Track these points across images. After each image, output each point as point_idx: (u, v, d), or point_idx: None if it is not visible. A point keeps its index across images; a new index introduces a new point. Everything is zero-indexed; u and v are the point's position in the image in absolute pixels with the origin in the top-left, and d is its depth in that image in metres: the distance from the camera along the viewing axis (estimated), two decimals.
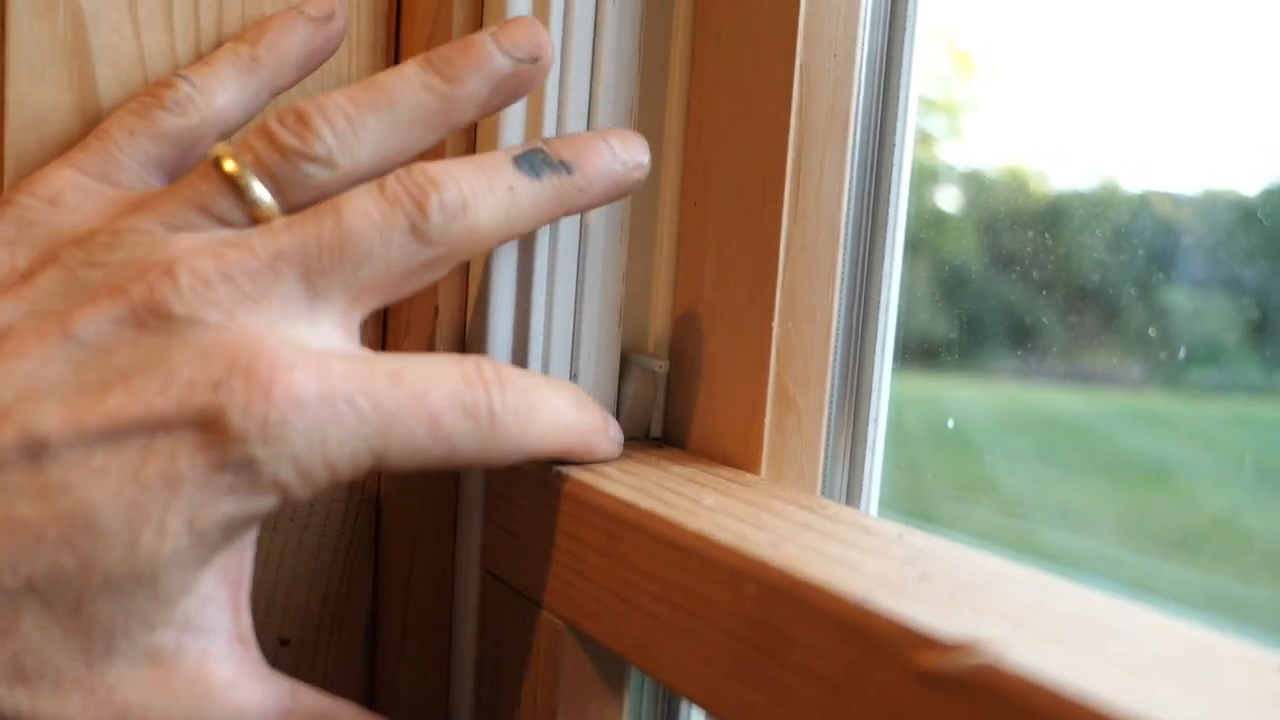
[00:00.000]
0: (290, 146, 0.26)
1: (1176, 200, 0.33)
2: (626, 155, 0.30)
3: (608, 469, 0.31)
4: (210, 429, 0.24)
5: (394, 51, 0.35)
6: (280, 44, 0.30)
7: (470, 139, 0.34)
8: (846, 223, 0.32)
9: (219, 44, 0.32)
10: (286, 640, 0.36)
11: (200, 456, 0.24)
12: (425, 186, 0.26)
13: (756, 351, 0.32)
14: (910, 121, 0.33)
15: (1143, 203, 0.34)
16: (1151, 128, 0.34)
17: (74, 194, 0.27)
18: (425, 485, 0.36)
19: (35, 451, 0.23)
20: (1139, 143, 0.35)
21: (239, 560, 0.26)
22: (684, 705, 0.34)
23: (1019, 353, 0.38)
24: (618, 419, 0.36)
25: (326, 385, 0.24)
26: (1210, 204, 0.33)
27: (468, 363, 0.27)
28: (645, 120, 0.35)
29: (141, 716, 0.25)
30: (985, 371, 0.39)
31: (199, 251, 0.25)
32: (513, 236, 0.29)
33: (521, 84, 0.29)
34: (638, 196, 0.35)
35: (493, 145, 0.33)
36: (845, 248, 0.32)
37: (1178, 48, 0.33)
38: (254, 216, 0.26)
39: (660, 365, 0.35)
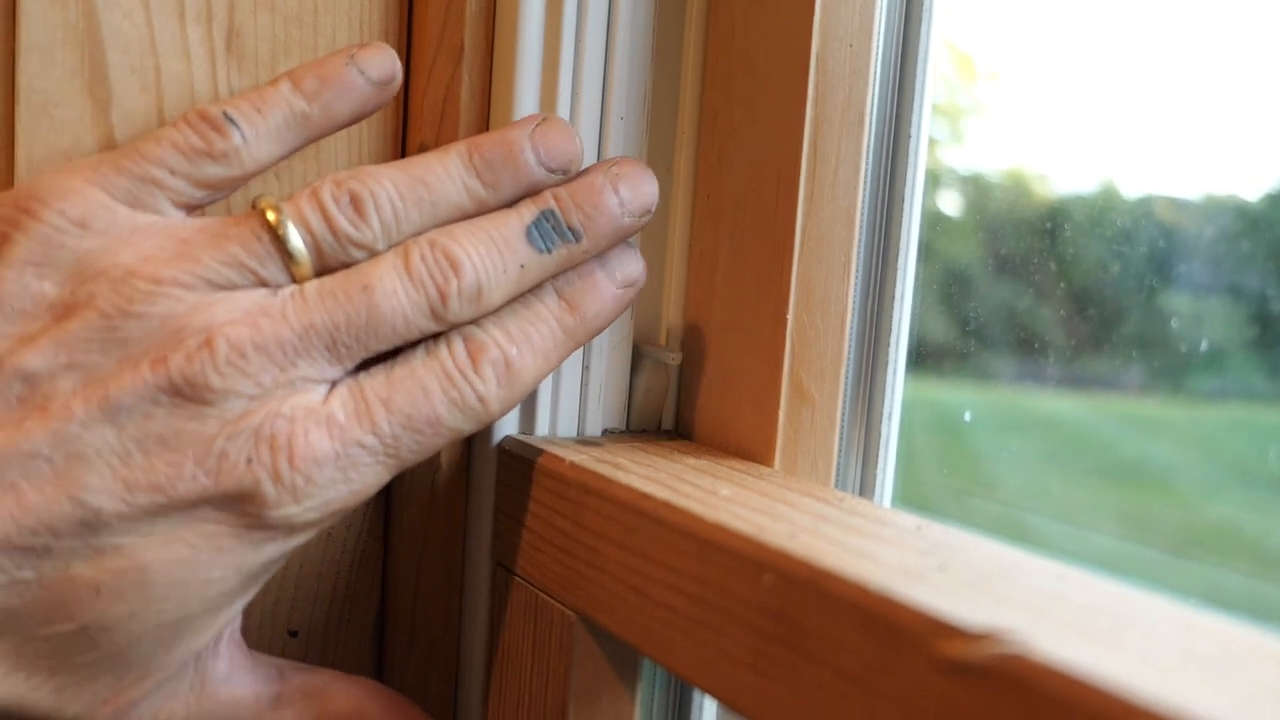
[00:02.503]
0: (344, 231, 0.28)
1: (1178, 205, 0.33)
2: (635, 204, 0.31)
3: (621, 460, 0.31)
4: (248, 500, 0.26)
5: (406, 41, 0.35)
6: (335, 106, 0.30)
7: (483, 127, 0.34)
8: (862, 214, 0.32)
9: (230, 32, 0.32)
10: (295, 632, 0.35)
11: (241, 520, 0.26)
12: (448, 273, 0.28)
13: (770, 343, 0.32)
14: (926, 113, 0.33)
15: (1144, 207, 0.34)
16: (1153, 132, 0.34)
17: (103, 218, 0.27)
18: (435, 478, 0.36)
19: (90, 521, 0.25)
20: (1141, 147, 0.34)
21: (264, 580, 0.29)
22: (696, 697, 0.34)
23: (1020, 357, 0.38)
24: (629, 412, 0.36)
25: (338, 437, 0.27)
26: (1212, 209, 0.32)
27: (443, 354, 0.28)
28: (658, 110, 0.35)
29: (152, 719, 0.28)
30: (986, 376, 0.39)
31: (236, 321, 0.26)
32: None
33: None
34: None
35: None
36: (860, 239, 0.32)
37: (1179, 53, 0.33)
38: (293, 277, 0.28)
39: (673, 357, 0.35)
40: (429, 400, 0.28)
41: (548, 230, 0.30)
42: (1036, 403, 0.39)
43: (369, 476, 0.27)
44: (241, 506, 0.26)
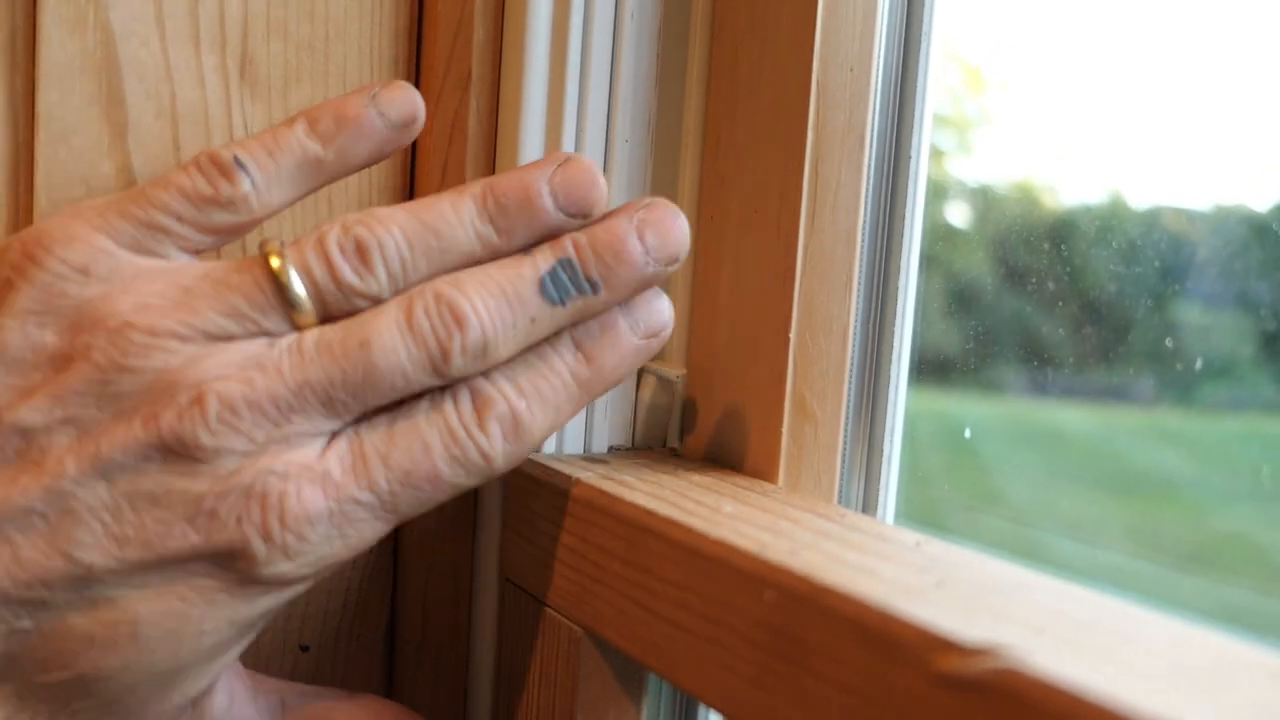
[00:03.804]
0: (348, 283, 0.27)
1: (1187, 215, 0.34)
2: (662, 253, 0.29)
3: (627, 477, 0.31)
4: (239, 557, 0.26)
5: (415, 69, 0.36)
6: (351, 150, 0.29)
7: (490, 152, 0.35)
8: (863, 234, 0.33)
9: (244, 59, 0.33)
10: (306, 647, 0.36)
11: (233, 576, 0.26)
12: (451, 327, 0.27)
13: (773, 361, 0.32)
14: (926, 134, 0.33)
15: (1153, 218, 0.34)
16: (1162, 142, 0.34)
17: (105, 264, 0.27)
18: None
19: (83, 578, 0.25)
20: (1149, 157, 0.35)
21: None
22: (702, 711, 0.34)
23: (1029, 369, 0.38)
24: (635, 429, 0.37)
25: (332, 494, 0.26)
26: (1221, 219, 0.33)
27: (448, 408, 0.27)
28: (662, 133, 0.35)
29: None
30: (995, 387, 0.39)
31: (229, 377, 0.26)
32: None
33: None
34: None
35: (513, 162, 0.34)
36: (862, 259, 0.33)
37: (1188, 63, 0.33)
38: (294, 325, 0.27)
39: (677, 375, 0.36)
40: (429, 457, 0.27)
41: (563, 282, 0.28)
42: (1045, 414, 0.39)
43: (365, 532, 0.27)
44: (232, 564, 0.26)
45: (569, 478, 0.31)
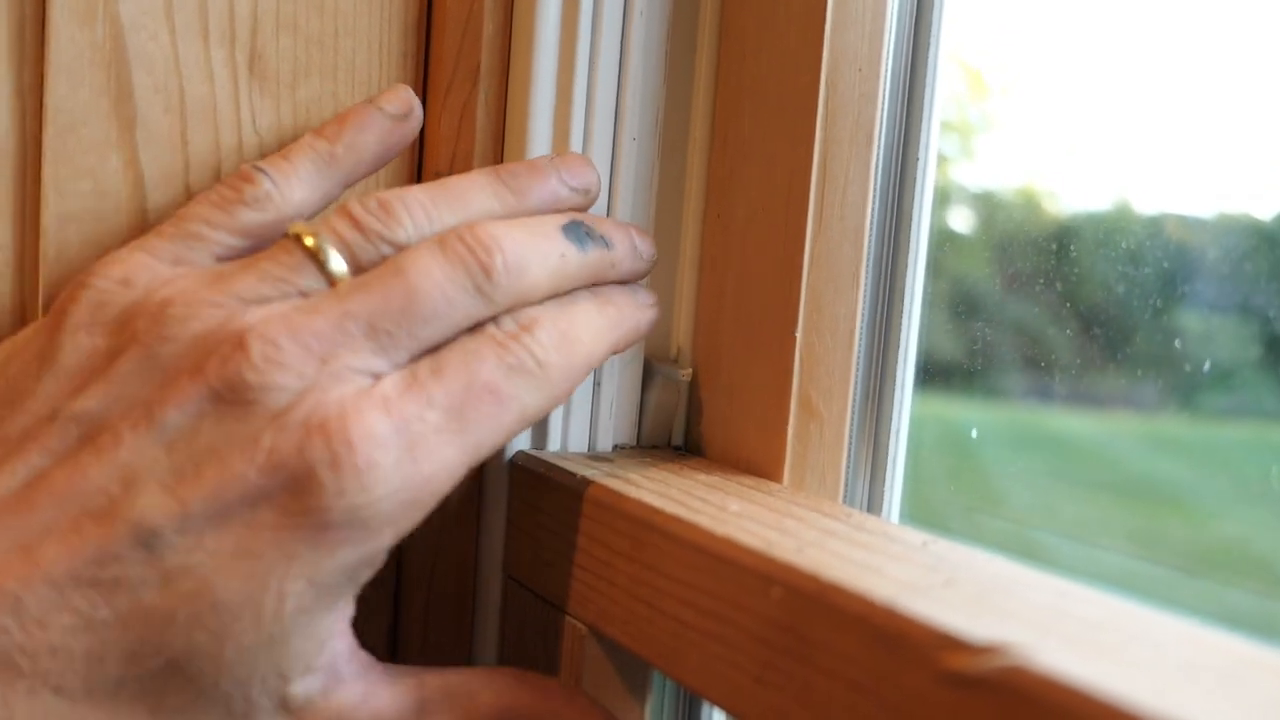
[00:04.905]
0: (372, 229, 0.28)
1: (1190, 223, 0.34)
2: (646, 249, 0.33)
3: (632, 475, 0.31)
4: (305, 490, 0.25)
5: (424, 63, 0.36)
6: (358, 141, 0.31)
7: (498, 146, 0.35)
8: (870, 233, 0.33)
9: (253, 54, 0.33)
10: None
11: (304, 519, 0.25)
12: (489, 245, 0.27)
13: (779, 360, 0.32)
14: (934, 133, 0.33)
15: (1156, 225, 0.34)
16: (1165, 150, 0.34)
17: (145, 274, 0.28)
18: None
19: (148, 542, 0.24)
20: (1152, 165, 0.35)
21: (352, 595, 0.27)
22: (706, 709, 0.34)
23: (1030, 374, 0.38)
24: (640, 428, 0.36)
25: (395, 414, 0.25)
26: (1224, 227, 0.33)
27: (491, 328, 0.28)
28: (670, 131, 0.35)
29: None
30: (997, 393, 0.39)
31: (268, 320, 0.26)
32: (553, 296, 0.30)
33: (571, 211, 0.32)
34: (660, 207, 0.36)
35: (520, 157, 0.34)
36: (869, 258, 0.33)
37: (1192, 70, 0.33)
38: (329, 282, 0.27)
39: (683, 374, 0.36)
40: (483, 365, 0.27)
41: (580, 233, 0.30)
42: (1046, 420, 0.39)
43: (438, 456, 0.26)
44: (301, 501, 0.25)
45: (574, 475, 0.31)
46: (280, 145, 0.34)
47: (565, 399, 0.29)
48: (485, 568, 0.36)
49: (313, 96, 0.34)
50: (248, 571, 0.25)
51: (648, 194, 0.35)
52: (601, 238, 0.31)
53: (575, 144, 0.34)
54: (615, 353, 0.31)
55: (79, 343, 0.27)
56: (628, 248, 0.32)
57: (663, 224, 0.36)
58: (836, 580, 0.22)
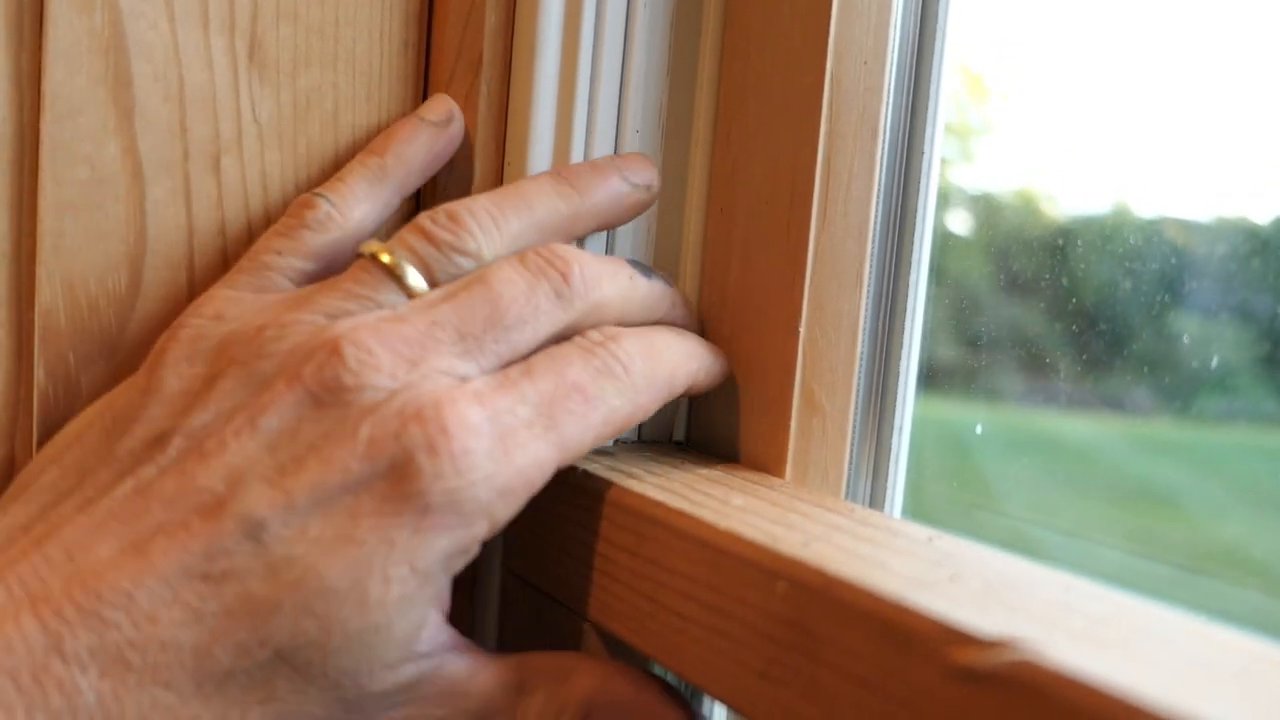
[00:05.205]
0: (444, 240, 0.29)
1: (1188, 227, 0.34)
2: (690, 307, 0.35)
3: (634, 469, 0.31)
4: (404, 476, 0.26)
5: (425, 53, 0.36)
6: (405, 152, 0.33)
7: (500, 138, 0.35)
8: (874, 228, 0.32)
9: (252, 42, 0.33)
10: None
11: (403, 503, 0.26)
12: (567, 259, 0.29)
13: (783, 356, 0.32)
14: (939, 130, 0.33)
15: (1154, 228, 0.34)
16: (1164, 154, 0.34)
17: (234, 307, 0.30)
18: None
19: (255, 533, 0.25)
20: (1151, 168, 0.35)
21: (447, 582, 0.28)
22: (707, 704, 0.34)
23: (1028, 377, 0.38)
24: (641, 424, 0.36)
25: (488, 406, 0.27)
26: (1222, 231, 0.33)
27: (577, 338, 0.29)
28: (673, 123, 0.35)
29: None
30: (993, 395, 0.39)
31: (358, 328, 0.27)
32: (624, 323, 0.31)
33: (635, 206, 0.34)
34: (663, 202, 0.35)
35: (522, 148, 0.34)
36: (873, 253, 0.32)
37: (1191, 75, 0.33)
38: (407, 296, 0.29)
39: None
40: (570, 366, 0.28)
41: (644, 266, 0.32)
42: (1044, 422, 0.39)
43: (530, 450, 0.27)
44: (400, 487, 0.25)
45: (574, 469, 0.31)
46: (280, 135, 0.34)
47: (649, 411, 0.30)
48: (485, 562, 0.36)
49: (313, 85, 0.34)
50: (352, 558, 0.25)
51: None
52: (660, 276, 0.32)
53: (578, 136, 0.34)
54: (694, 387, 0.32)
55: (181, 372, 0.28)
56: (680, 295, 0.33)
57: (665, 217, 0.36)
58: (843, 575, 0.22)
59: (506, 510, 0.27)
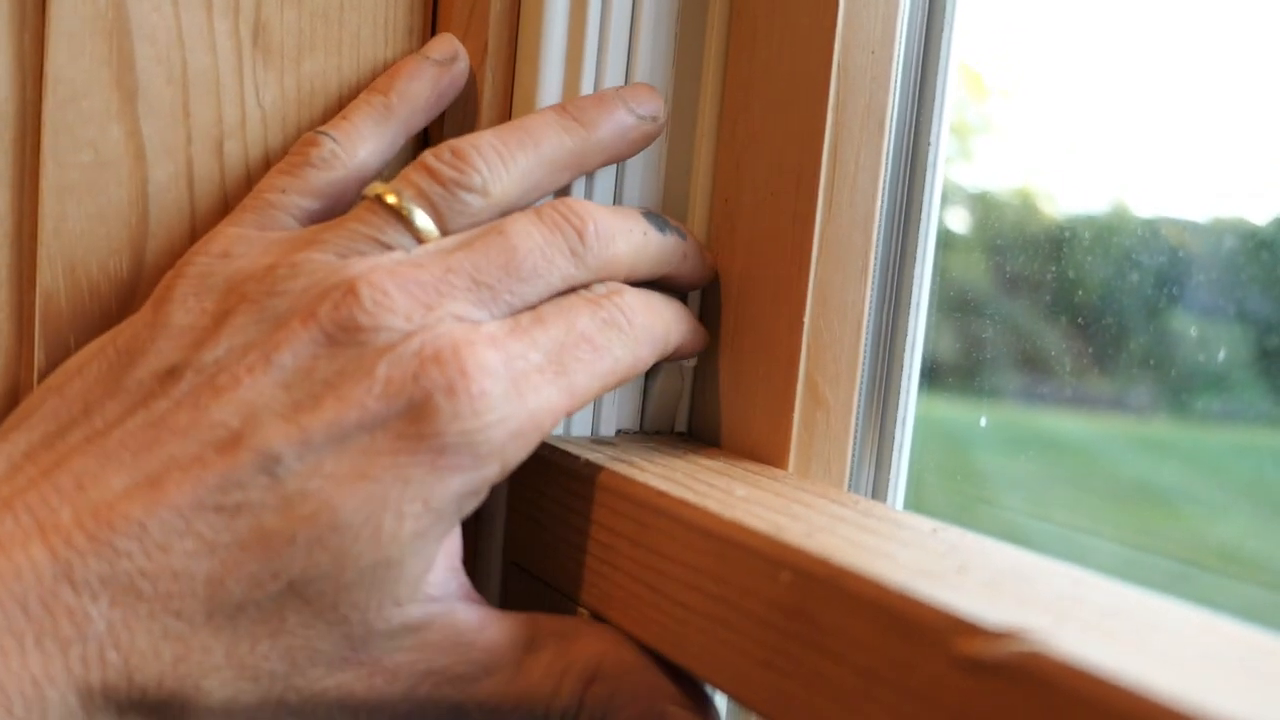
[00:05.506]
0: (449, 177, 0.29)
1: (1186, 227, 0.33)
2: (708, 259, 0.35)
3: (637, 459, 0.31)
4: (422, 416, 0.26)
5: (430, 38, 0.35)
6: (410, 90, 0.33)
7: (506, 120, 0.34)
8: (880, 220, 0.32)
9: (257, 26, 0.33)
10: None
11: (419, 443, 0.26)
12: (582, 214, 0.30)
13: (786, 347, 0.32)
14: (946, 122, 0.33)
15: (1152, 228, 0.34)
16: (1162, 154, 0.34)
17: (240, 245, 0.30)
18: None
19: (270, 467, 0.25)
20: (1149, 168, 0.35)
21: (456, 529, 0.28)
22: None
23: (1025, 376, 0.38)
24: (643, 414, 0.36)
25: (503, 351, 0.27)
26: (1220, 231, 0.33)
27: (584, 290, 0.30)
28: (679, 112, 0.35)
29: (411, 672, 0.27)
30: (991, 394, 0.39)
31: (374, 269, 0.27)
32: (633, 279, 0.31)
33: (642, 138, 0.33)
34: (669, 192, 0.35)
35: None
36: (878, 245, 0.32)
37: (1190, 75, 0.33)
38: (418, 241, 0.29)
39: (688, 360, 0.35)
40: (579, 317, 0.29)
41: (659, 219, 0.32)
42: (1041, 422, 0.39)
43: (542, 394, 0.27)
44: (416, 427, 0.26)
45: (576, 458, 0.31)
46: (284, 119, 0.34)
47: (647, 364, 0.31)
48: (486, 552, 0.36)
49: (317, 71, 0.34)
50: (367, 494, 0.25)
51: (656, 176, 0.35)
52: (675, 228, 0.32)
53: None
54: (681, 350, 0.33)
55: (189, 307, 0.28)
56: (694, 246, 0.33)
57: (670, 208, 0.35)
58: (848, 564, 0.22)
59: (518, 453, 0.27)
